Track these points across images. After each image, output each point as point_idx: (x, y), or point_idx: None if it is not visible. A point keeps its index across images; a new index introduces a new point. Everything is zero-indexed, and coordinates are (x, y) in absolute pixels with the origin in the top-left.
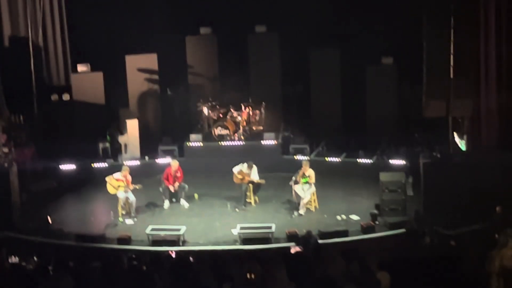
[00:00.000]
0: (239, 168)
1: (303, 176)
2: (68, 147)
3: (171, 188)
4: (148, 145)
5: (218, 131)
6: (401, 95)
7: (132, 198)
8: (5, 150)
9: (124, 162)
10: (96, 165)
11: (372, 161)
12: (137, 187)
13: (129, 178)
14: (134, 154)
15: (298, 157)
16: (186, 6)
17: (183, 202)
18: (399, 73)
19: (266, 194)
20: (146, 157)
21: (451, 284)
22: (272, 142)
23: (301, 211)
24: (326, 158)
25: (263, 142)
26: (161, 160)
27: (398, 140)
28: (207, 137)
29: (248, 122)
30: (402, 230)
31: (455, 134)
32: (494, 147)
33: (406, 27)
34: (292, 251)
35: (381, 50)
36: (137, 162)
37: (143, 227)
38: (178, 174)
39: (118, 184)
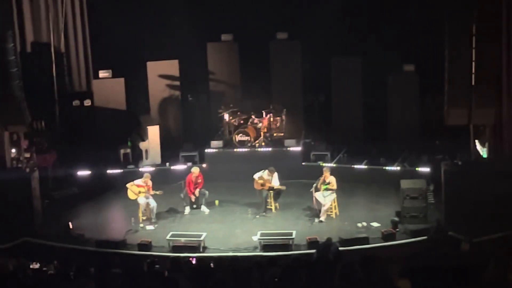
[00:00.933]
0: (260, 175)
1: (324, 183)
2: (89, 153)
3: (192, 198)
4: (169, 151)
5: (239, 137)
6: (423, 103)
7: (153, 203)
8: (27, 155)
9: (140, 169)
10: (115, 171)
11: (393, 168)
12: (157, 193)
13: (150, 184)
14: (155, 160)
15: (319, 164)
16: (207, 13)
17: (203, 208)
18: (421, 81)
19: (286, 200)
20: (167, 163)
21: None
22: (293, 149)
23: (322, 218)
24: (350, 165)
25: (284, 149)
26: (182, 166)
27: (420, 147)
28: (228, 143)
29: (269, 128)
30: (423, 237)
31: (476, 142)
32: None
33: (428, 35)
34: None
35: (403, 57)
36: (151, 169)
37: (163, 233)
38: (199, 181)
39: (139, 190)
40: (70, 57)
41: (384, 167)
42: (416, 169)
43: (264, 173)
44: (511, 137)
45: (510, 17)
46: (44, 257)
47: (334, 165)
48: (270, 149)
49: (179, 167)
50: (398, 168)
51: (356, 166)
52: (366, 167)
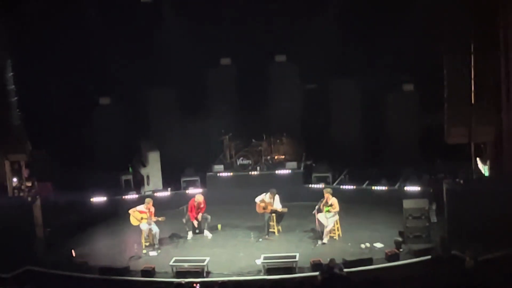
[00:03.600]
0: (262, 198)
1: (326, 204)
2: (91, 180)
3: (195, 223)
4: (171, 177)
5: (240, 161)
6: (423, 122)
7: (155, 229)
8: (28, 184)
9: (124, 197)
10: (118, 197)
11: (395, 189)
12: (160, 219)
13: (152, 210)
14: (156, 185)
15: (321, 185)
16: (205, 38)
17: (206, 233)
18: (420, 100)
19: (289, 223)
20: (169, 189)
21: None
22: (294, 171)
23: (325, 240)
24: (352, 186)
25: (285, 171)
26: (183, 191)
27: (421, 167)
28: (229, 167)
29: (270, 151)
30: (427, 257)
31: (478, 160)
32: None
33: (427, 54)
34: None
35: (402, 77)
36: (135, 196)
37: (167, 259)
38: (202, 206)
39: (141, 216)
40: (70, 84)
41: (385, 187)
42: (418, 188)
43: (266, 196)
44: None
45: (507, 34)
46: (48, 285)
47: (336, 186)
48: (271, 172)
49: (181, 192)
50: (400, 188)
51: (358, 187)
52: (367, 187)
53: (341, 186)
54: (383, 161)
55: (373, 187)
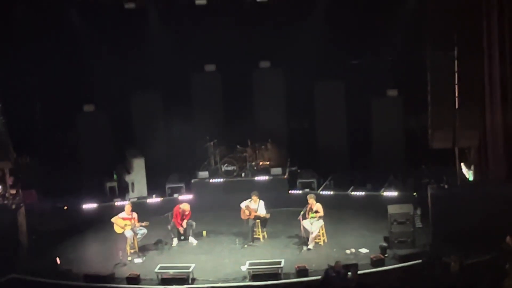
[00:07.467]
0: (247, 204)
1: (311, 210)
2: (75, 187)
3: (180, 229)
4: (155, 183)
5: (225, 167)
6: (407, 127)
7: (142, 231)
8: (13, 192)
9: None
10: (99, 205)
11: (380, 194)
12: (144, 224)
13: (135, 216)
14: (141, 192)
15: (306, 191)
16: (190, 44)
17: (191, 239)
18: (405, 105)
19: (274, 229)
20: (154, 195)
21: None
22: (279, 177)
23: (310, 246)
24: (336, 191)
25: (270, 177)
26: (168, 198)
27: (406, 172)
28: (214, 173)
29: (255, 157)
30: (412, 262)
31: (462, 164)
32: (502, 177)
33: (410, 59)
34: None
35: (386, 82)
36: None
37: (152, 266)
38: (186, 213)
39: (125, 223)
40: (54, 91)
41: (370, 193)
42: (403, 193)
43: (251, 202)
44: (496, 159)
45: (491, 39)
46: None
47: (321, 192)
48: (256, 178)
49: (166, 198)
50: (385, 193)
51: (342, 193)
52: (353, 193)
53: (326, 191)
54: (368, 166)
55: (358, 192)
